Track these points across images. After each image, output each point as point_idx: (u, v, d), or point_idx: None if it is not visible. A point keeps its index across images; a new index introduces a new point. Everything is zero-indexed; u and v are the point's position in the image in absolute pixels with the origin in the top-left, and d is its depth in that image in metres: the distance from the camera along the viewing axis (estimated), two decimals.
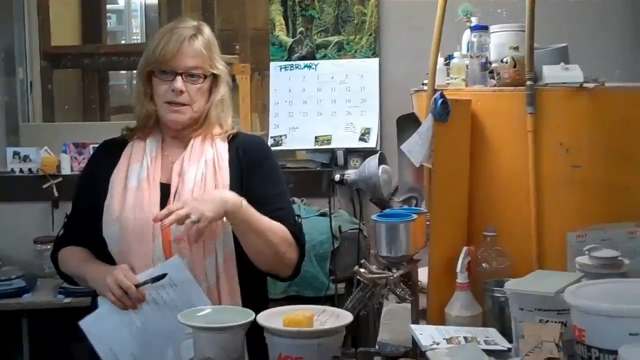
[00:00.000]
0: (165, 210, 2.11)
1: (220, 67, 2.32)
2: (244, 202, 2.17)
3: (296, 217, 2.39)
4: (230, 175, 2.26)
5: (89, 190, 2.33)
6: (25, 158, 4.17)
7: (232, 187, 2.23)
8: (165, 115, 2.29)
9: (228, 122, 2.35)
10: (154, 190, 2.23)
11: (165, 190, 2.24)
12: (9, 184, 4.18)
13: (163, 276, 2.12)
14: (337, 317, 1.86)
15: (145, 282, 2.13)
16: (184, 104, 2.26)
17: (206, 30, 2.31)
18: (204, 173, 2.25)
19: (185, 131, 2.31)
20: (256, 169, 2.31)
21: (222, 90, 2.33)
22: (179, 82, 2.24)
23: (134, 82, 2.11)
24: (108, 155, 2.34)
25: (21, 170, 4.16)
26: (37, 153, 4.17)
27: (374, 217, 2.06)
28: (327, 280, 3.57)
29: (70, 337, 3.83)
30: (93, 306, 2.24)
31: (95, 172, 2.34)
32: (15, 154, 4.18)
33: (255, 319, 1.81)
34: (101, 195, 2.25)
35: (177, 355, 1.87)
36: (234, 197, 2.16)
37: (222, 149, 2.31)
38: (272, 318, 1.83)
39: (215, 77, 2.31)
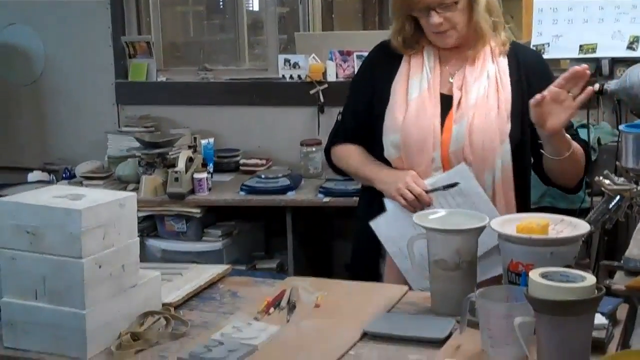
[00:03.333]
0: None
1: None
2: None
3: None
4: (512, 94, 2.24)
5: (368, 93, 2.37)
6: (295, 65, 4.36)
7: (514, 106, 2.23)
8: (434, 41, 2.30)
9: (502, 34, 2.30)
10: (435, 100, 2.25)
11: (445, 101, 2.25)
12: (280, 90, 4.41)
13: (454, 185, 2.17)
14: (575, 227, 1.83)
15: (435, 189, 2.18)
16: (447, 30, 2.24)
17: None
18: (486, 89, 2.24)
19: (461, 46, 2.30)
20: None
21: (482, 1, 2.24)
22: (434, 18, 2.21)
23: None
24: (386, 61, 2.36)
25: (291, 77, 4.37)
26: (305, 60, 4.35)
27: (621, 127, 1.99)
28: (582, 192, 3.46)
29: (330, 235, 4.10)
30: (364, 207, 2.35)
31: (374, 76, 2.37)
32: (286, 61, 4.39)
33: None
34: (382, 101, 2.29)
35: (410, 254, 1.94)
36: None
37: (504, 65, 2.28)
38: (507, 224, 1.84)
39: None
